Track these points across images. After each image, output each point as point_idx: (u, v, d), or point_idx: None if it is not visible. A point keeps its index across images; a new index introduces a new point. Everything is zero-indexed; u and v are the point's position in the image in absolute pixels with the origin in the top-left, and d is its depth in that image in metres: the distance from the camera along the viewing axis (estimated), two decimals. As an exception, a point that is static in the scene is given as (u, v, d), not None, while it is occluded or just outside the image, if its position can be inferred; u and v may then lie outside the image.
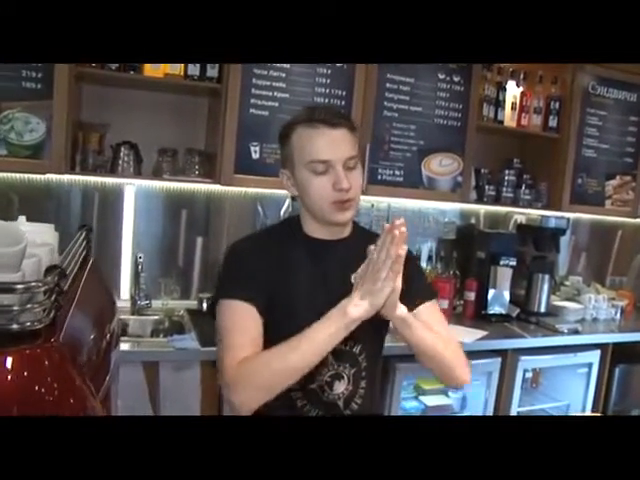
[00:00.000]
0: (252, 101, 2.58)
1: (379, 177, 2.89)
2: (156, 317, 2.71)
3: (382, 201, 3.16)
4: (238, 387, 1.22)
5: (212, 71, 2.58)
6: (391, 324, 1.48)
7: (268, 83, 2.59)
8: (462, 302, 3.26)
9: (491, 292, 3.21)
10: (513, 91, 3.29)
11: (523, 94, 3.31)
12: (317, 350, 1.21)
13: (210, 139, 2.80)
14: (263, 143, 2.60)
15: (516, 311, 3.28)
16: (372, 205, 3.13)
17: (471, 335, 2.80)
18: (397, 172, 2.93)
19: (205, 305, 2.79)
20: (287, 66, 2.62)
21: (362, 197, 2.89)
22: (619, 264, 4.18)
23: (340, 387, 1.40)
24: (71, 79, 2.34)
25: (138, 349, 2.30)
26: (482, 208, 3.55)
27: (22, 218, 1.27)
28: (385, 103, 2.85)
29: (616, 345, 3.20)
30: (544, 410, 3.16)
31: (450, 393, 2.92)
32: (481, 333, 2.86)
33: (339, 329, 1.20)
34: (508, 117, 3.28)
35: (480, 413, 2.87)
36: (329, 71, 2.69)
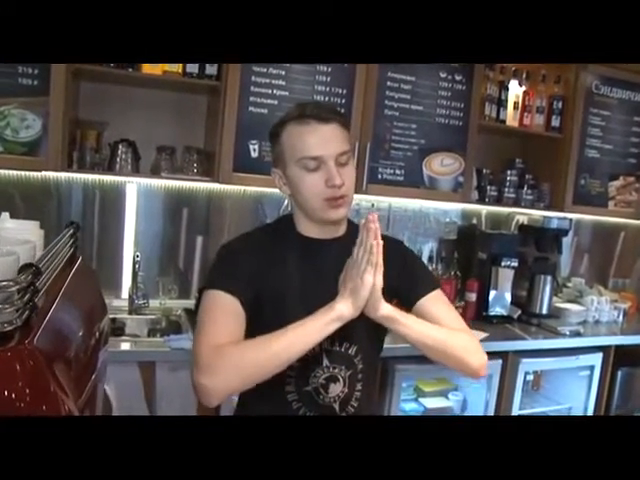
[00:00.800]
0: (251, 99, 2.57)
1: (380, 176, 2.88)
2: (153, 317, 2.70)
3: (383, 201, 3.15)
4: (212, 370, 1.18)
5: (211, 69, 2.56)
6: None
7: (267, 81, 2.58)
8: (463, 303, 3.24)
9: (492, 293, 3.20)
10: (515, 90, 3.27)
11: (525, 93, 3.30)
12: (301, 343, 1.19)
13: (209, 137, 2.79)
14: (262, 141, 2.58)
15: (517, 312, 3.27)
16: (372, 205, 3.12)
17: (472, 337, 2.78)
18: (398, 171, 2.92)
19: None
20: (287, 64, 2.61)
21: (363, 197, 2.94)
22: (622, 266, 4.16)
23: (336, 389, 1.38)
24: (68, 76, 2.33)
25: (135, 349, 2.29)
26: (484, 208, 3.53)
27: (5, 215, 1.25)
28: (386, 102, 2.83)
29: (618, 348, 3.19)
30: (545, 413, 3.14)
31: (450, 395, 2.91)
32: (482, 335, 2.83)
33: (325, 324, 1.19)
34: (510, 117, 3.27)
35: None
36: (329, 69, 2.68)
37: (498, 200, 3.37)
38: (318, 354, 1.26)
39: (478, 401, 2.87)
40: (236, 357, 1.19)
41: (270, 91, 2.59)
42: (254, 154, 2.59)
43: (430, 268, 3.25)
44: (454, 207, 3.44)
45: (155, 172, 2.71)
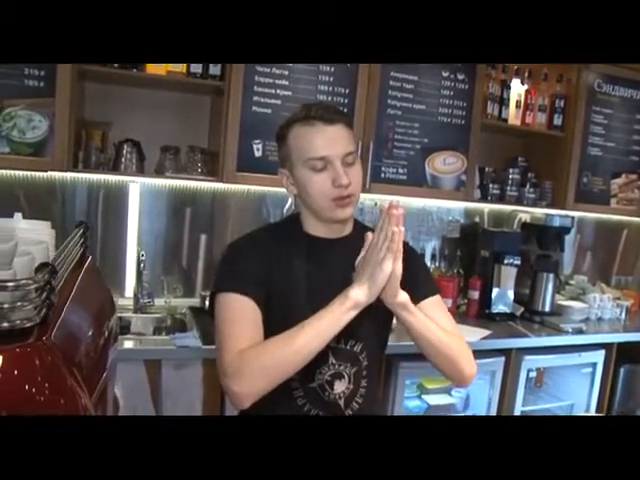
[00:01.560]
0: (255, 99, 2.60)
1: (382, 175, 2.91)
2: (158, 315, 2.73)
3: (385, 199, 3.17)
4: (239, 375, 1.22)
5: (215, 69, 2.59)
6: (394, 323, 1.50)
7: (271, 81, 2.61)
8: (466, 301, 3.28)
9: (495, 291, 3.23)
10: (518, 89, 3.30)
11: (528, 92, 3.32)
12: (320, 336, 1.22)
13: (213, 137, 2.82)
14: (266, 141, 2.62)
15: (520, 310, 3.30)
16: (375, 203, 3.15)
17: (475, 334, 2.82)
18: (401, 170, 2.95)
19: (207, 303, 2.80)
20: (290, 64, 2.64)
21: (365, 195, 2.97)
22: (625, 263, 4.19)
23: (341, 386, 1.41)
24: (74, 77, 2.36)
25: (140, 347, 2.32)
26: (486, 207, 3.56)
27: (18, 215, 1.28)
28: (388, 101, 2.86)
29: (621, 345, 3.22)
30: (548, 410, 3.17)
31: (453, 392, 2.94)
32: (485, 332, 2.87)
33: (341, 314, 1.22)
34: (512, 115, 3.29)
35: (484, 412, 2.88)
36: (332, 69, 2.71)
37: (501, 198, 3.40)
38: (324, 351, 1.27)
39: (481, 398, 2.90)
40: (260, 360, 1.22)
41: (273, 91, 2.62)
42: (258, 153, 2.63)
43: (433, 266, 3.30)
44: (457, 205, 3.48)
45: (159, 172, 2.74)
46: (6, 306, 0.79)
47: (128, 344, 2.32)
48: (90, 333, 1.13)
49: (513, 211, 3.59)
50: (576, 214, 3.53)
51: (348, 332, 1.28)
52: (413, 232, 3.35)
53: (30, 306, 0.81)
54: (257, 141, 2.62)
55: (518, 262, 3.22)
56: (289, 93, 2.65)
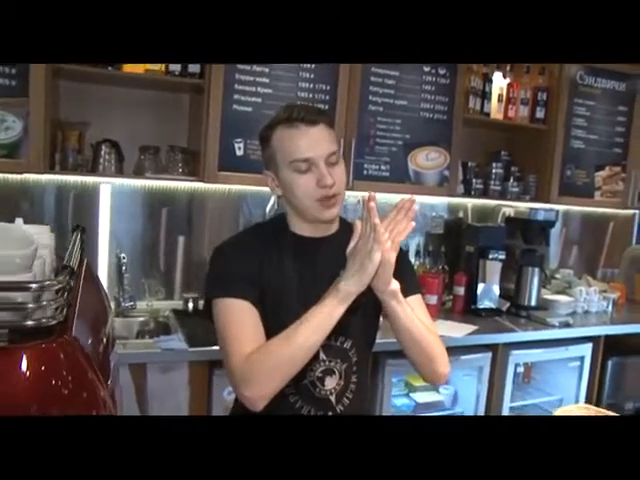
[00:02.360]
0: (235, 97, 2.63)
1: (365, 172, 2.95)
2: (141, 318, 2.76)
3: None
4: (248, 380, 1.28)
5: (194, 67, 2.61)
6: (381, 321, 1.55)
7: (251, 79, 2.64)
8: (451, 297, 3.33)
9: (480, 286, 3.28)
10: (499, 82, 3.36)
11: (510, 85, 3.39)
12: (318, 330, 1.27)
13: (193, 136, 2.84)
14: (247, 139, 2.65)
15: (506, 305, 3.35)
16: (358, 201, 3.19)
17: (461, 330, 2.87)
18: (383, 167, 2.99)
19: (191, 305, 2.84)
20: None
21: (349, 193, 2.99)
22: (610, 256, 4.28)
23: (332, 382, 1.46)
24: (48, 75, 2.34)
25: (124, 351, 2.34)
26: (470, 201, 3.62)
27: (19, 220, 1.32)
28: (370, 97, 2.90)
29: (608, 338, 3.29)
30: (537, 405, 3.24)
31: (441, 389, 2.99)
32: (471, 328, 2.92)
33: (335, 306, 1.27)
34: (495, 109, 3.36)
35: (472, 409, 2.94)
36: (313, 66, 2.74)
37: (484, 193, 3.46)
38: None
39: (469, 394, 2.96)
40: (266, 363, 1.28)
41: (254, 89, 2.65)
42: (239, 152, 2.65)
43: (418, 263, 3.34)
44: (440, 201, 3.52)
45: (139, 172, 2.75)
46: (31, 306, 0.86)
47: (111, 348, 2.34)
48: (95, 334, 1.17)
49: (497, 206, 3.65)
50: (561, 207, 3.60)
51: (338, 329, 1.33)
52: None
53: (55, 305, 0.88)
54: (238, 140, 2.64)
55: (503, 257, 3.28)
56: (270, 91, 2.67)
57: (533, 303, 3.42)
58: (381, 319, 1.54)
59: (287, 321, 1.29)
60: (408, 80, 2.98)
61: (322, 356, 1.44)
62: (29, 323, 0.84)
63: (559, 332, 3.14)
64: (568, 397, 3.23)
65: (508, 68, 3.38)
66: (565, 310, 3.43)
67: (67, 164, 2.59)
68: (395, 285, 1.34)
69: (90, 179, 2.75)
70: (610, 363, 3.33)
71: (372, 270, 1.27)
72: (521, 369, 3.27)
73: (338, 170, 1.41)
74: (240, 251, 1.45)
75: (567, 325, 3.18)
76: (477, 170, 3.48)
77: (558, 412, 1.55)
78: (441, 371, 1.46)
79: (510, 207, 3.58)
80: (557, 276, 3.91)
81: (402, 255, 1.57)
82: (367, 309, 1.44)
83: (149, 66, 2.56)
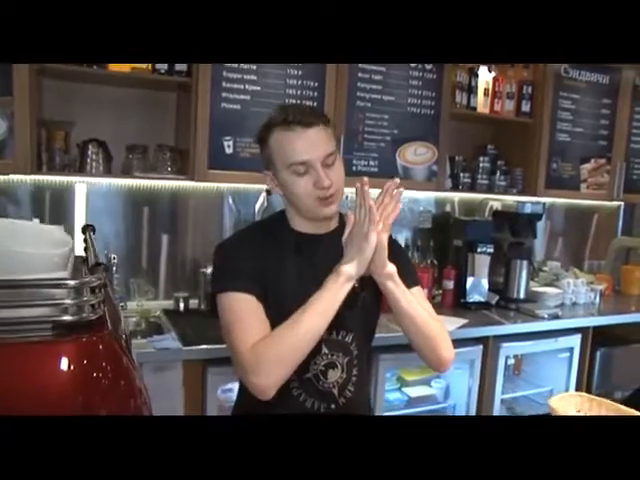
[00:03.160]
0: (223, 95, 2.65)
1: (353, 168, 2.99)
2: (133, 319, 2.78)
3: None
4: (257, 369, 1.32)
5: (181, 65, 2.63)
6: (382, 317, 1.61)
7: (239, 76, 2.67)
8: (441, 292, 3.39)
9: (470, 280, 3.35)
10: (485, 77, 3.43)
11: (495, 79, 3.45)
12: (323, 314, 1.34)
13: (180, 135, 2.87)
14: (236, 137, 2.67)
15: (495, 298, 3.42)
16: (347, 197, 3.22)
17: (451, 323, 2.92)
18: (372, 162, 3.04)
19: (182, 305, 2.88)
20: (257, 59, 2.69)
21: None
22: (596, 248, 4.37)
23: (334, 375, 1.52)
24: (32, 74, 2.34)
25: (117, 351, 2.37)
26: (457, 195, 3.69)
27: (36, 221, 1.35)
28: (357, 93, 2.95)
29: (596, 329, 3.37)
30: (527, 397, 3.32)
31: (433, 383, 3.05)
32: (461, 321, 2.99)
33: (337, 290, 1.34)
34: (481, 103, 3.42)
35: (464, 402, 3.01)
36: (301, 64, 2.78)
37: (472, 187, 3.52)
38: (317, 342, 1.38)
39: (461, 387, 3.03)
40: (273, 350, 1.33)
41: (242, 86, 2.68)
42: (229, 150, 2.68)
43: (407, 258, 3.39)
44: (427, 195, 3.59)
45: (127, 172, 2.76)
46: (72, 302, 0.92)
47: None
48: (117, 328, 1.22)
49: (484, 199, 3.71)
50: (547, 200, 3.67)
51: (339, 323, 1.40)
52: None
53: (96, 300, 0.94)
54: (227, 138, 2.67)
55: (491, 250, 3.34)
56: (258, 88, 2.70)
57: (522, 296, 3.50)
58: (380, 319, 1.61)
59: (286, 313, 1.35)
60: (395, 76, 3.03)
61: (324, 350, 1.50)
62: (73, 318, 0.90)
63: (548, 324, 3.21)
64: (558, 388, 3.29)
65: (493, 62, 3.44)
66: (553, 302, 3.51)
67: (54, 164, 2.59)
68: (391, 268, 1.41)
69: (76, 179, 2.75)
70: (599, 354, 3.42)
71: (370, 251, 1.34)
72: (512, 361, 3.35)
73: (335, 170, 1.46)
74: (243, 247, 1.50)
75: (556, 317, 3.26)
76: (464, 164, 3.54)
77: (553, 400, 1.60)
78: (446, 356, 1.52)
79: (497, 200, 3.66)
80: (545, 268, 3.99)
81: (400, 250, 1.65)
82: (366, 303, 1.51)
83: (135, 65, 2.57)
